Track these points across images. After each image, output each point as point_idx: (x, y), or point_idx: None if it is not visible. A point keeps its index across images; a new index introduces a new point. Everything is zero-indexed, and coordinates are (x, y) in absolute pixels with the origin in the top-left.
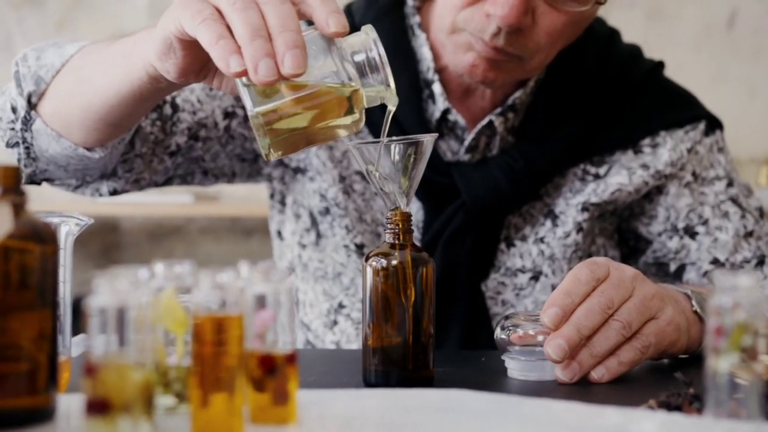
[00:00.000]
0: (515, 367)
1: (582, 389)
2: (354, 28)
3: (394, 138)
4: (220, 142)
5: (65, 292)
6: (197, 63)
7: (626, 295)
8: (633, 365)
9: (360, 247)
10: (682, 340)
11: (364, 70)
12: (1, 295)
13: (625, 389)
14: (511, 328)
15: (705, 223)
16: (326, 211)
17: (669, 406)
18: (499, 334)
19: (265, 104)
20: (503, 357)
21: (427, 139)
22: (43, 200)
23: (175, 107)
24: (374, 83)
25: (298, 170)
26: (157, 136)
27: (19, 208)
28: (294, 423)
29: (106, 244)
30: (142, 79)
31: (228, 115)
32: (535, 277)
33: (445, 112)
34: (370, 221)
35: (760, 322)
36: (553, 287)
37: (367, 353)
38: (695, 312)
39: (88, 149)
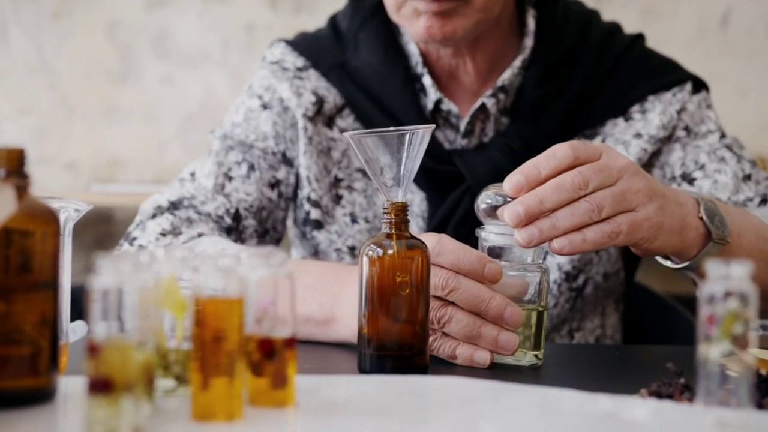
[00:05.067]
0: (490, 231)
1: (574, 377)
2: (341, 34)
3: (391, 128)
4: (281, 207)
5: (64, 277)
6: None
7: (608, 182)
8: (597, 246)
9: (352, 249)
10: (660, 240)
11: None
12: (2, 277)
13: (617, 378)
14: (490, 201)
15: (702, 167)
16: (308, 220)
17: (660, 395)
18: (479, 203)
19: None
20: (481, 228)
21: (424, 130)
22: (37, 187)
23: (238, 218)
24: None
25: (298, 181)
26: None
27: (22, 190)
28: (292, 406)
29: (100, 234)
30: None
31: (274, 185)
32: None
33: (438, 102)
34: (372, 218)
35: (751, 311)
36: (558, 266)
37: (362, 341)
38: (701, 218)
39: None
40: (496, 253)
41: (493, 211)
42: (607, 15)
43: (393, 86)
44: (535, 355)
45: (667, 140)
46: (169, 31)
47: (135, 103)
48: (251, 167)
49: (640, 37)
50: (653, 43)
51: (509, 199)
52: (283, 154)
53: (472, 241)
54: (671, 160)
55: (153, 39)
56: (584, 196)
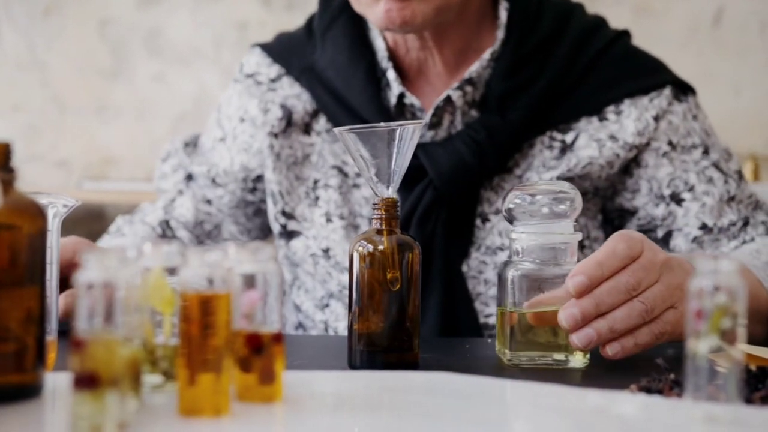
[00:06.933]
0: (522, 231)
1: (564, 373)
2: (313, 34)
3: (382, 124)
4: (228, 221)
5: (52, 273)
6: None
7: (654, 279)
8: (646, 348)
9: (326, 252)
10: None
11: None
12: None
13: (606, 374)
14: (518, 201)
15: (691, 189)
16: (283, 233)
17: (650, 391)
18: (507, 204)
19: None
20: (512, 229)
21: (415, 125)
22: (28, 185)
23: (171, 229)
24: None
25: (270, 196)
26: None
27: (7, 185)
28: (280, 402)
29: (91, 231)
30: None
31: (208, 201)
32: None
33: (401, 96)
34: (347, 214)
35: (740, 306)
36: None
37: (352, 337)
38: None
39: None
40: (528, 253)
41: (521, 210)
42: (600, 13)
43: (355, 83)
44: (585, 356)
45: (645, 147)
46: (161, 28)
47: (127, 101)
48: (189, 179)
49: (624, 34)
50: (646, 41)
51: (539, 197)
52: (214, 180)
53: (437, 235)
54: (659, 176)
55: (145, 36)
56: (635, 295)
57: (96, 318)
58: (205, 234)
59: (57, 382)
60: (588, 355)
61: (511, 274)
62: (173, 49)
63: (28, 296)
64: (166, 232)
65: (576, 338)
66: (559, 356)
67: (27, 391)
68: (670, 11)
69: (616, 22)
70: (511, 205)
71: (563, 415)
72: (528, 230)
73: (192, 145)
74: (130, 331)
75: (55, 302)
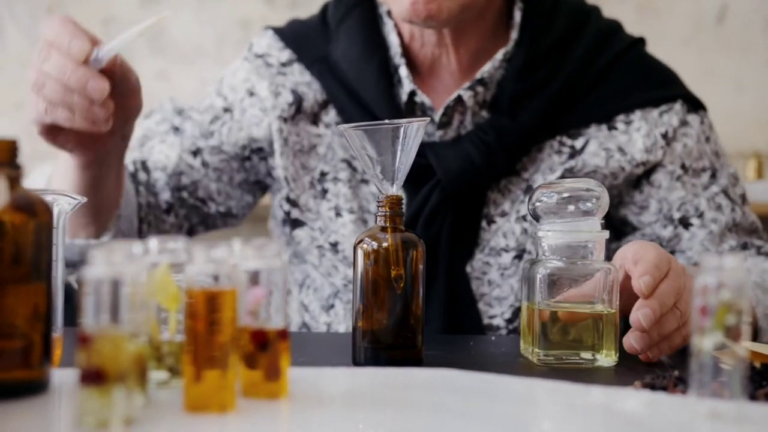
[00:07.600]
0: (549, 229)
1: (568, 370)
2: (327, 25)
3: (386, 121)
4: (210, 178)
5: (57, 270)
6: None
7: (682, 284)
8: (676, 350)
9: (334, 245)
10: None
11: None
12: None
13: (611, 372)
14: (545, 198)
15: (701, 215)
16: (287, 220)
17: (654, 388)
18: (534, 202)
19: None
20: (539, 227)
21: (419, 123)
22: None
23: (147, 170)
24: None
25: (273, 184)
26: (149, 201)
27: (14, 181)
28: (285, 398)
29: None
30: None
31: (195, 152)
32: (519, 256)
33: (412, 94)
34: (357, 208)
35: (744, 302)
36: None
37: (357, 334)
38: None
39: (97, 238)
40: (555, 251)
41: (547, 209)
42: (604, 11)
43: (367, 77)
44: (615, 354)
45: (658, 167)
46: (164, 26)
47: None
48: (175, 131)
49: (640, 41)
50: (649, 39)
51: (566, 196)
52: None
53: (443, 236)
54: (671, 199)
55: (148, 34)
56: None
57: (102, 314)
58: (181, 186)
59: (63, 378)
60: (617, 354)
61: (540, 272)
62: (176, 48)
63: (35, 293)
64: (139, 173)
65: (636, 343)
66: (587, 355)
67: (33, 387)
68: (674, 9)
69: (619, 21)
70: (537, 203)
71: (567, 411)
72: (555, 228)
73: (181, 110)
74: (136, 328)
75: (62, 299)
